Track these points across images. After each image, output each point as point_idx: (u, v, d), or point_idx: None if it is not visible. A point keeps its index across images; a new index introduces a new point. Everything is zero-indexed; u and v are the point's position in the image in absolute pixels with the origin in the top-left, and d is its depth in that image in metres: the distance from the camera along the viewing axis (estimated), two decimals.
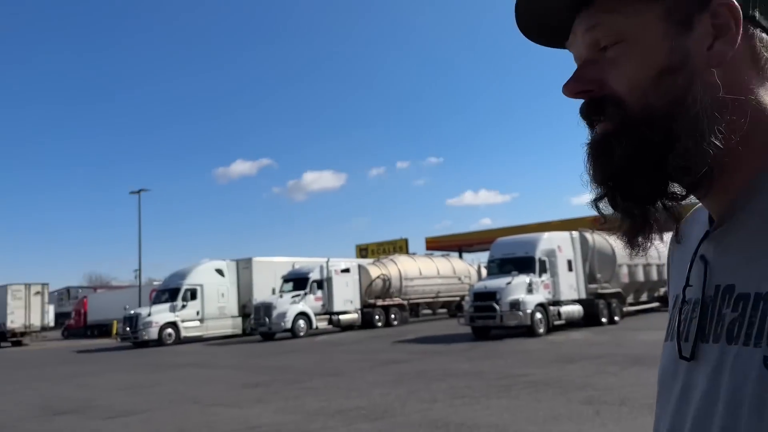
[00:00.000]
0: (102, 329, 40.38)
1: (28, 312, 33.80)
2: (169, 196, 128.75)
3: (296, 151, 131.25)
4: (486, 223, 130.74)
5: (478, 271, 30.44)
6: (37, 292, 34.43)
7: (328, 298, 24.69)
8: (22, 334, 33.70)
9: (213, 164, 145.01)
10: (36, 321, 34.13)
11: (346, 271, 25.90)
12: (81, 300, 46.68)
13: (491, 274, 18.82)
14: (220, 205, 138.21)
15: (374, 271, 27.53)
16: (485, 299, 16.74)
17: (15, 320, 33.15)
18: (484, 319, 16.81)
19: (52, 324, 36.69)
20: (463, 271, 31.97)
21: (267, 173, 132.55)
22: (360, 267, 27.13)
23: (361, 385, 9.42)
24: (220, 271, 27.24)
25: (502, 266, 18.02)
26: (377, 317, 26.40)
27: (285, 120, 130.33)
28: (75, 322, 44.59)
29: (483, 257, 28.75)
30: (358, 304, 25.93)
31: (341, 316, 25.01)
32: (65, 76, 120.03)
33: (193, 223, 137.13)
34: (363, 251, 44.84)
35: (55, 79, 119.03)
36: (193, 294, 25.67)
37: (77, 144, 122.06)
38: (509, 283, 16.69)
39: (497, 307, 16.24)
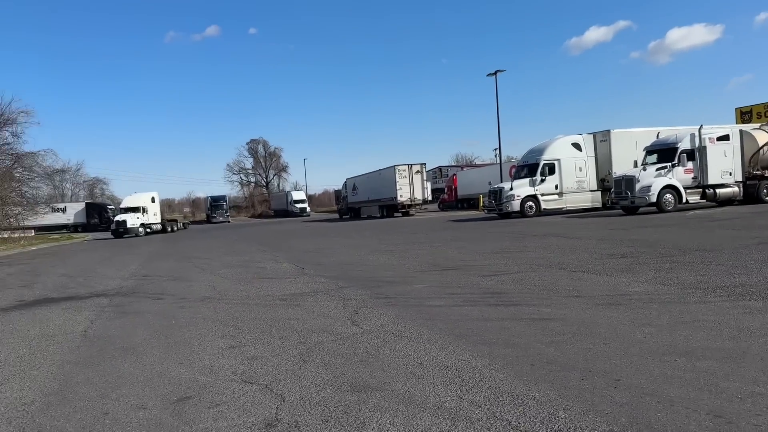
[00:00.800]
0: (470, 202, 45.09)
1: (412, 187, 39.89)
2: (524, 74, 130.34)
3: (658, 6, 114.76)
4: None
5: None
6: (417, 171, 40.17)
7: (701, 170, 21.84)
8: (408, 206, 40.24)
9: (565, 36, 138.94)
10: (418, 195, 40.16)
11: (724, 138, 22.23)
12: (451, 177, 52.67)
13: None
14: (574, 77, 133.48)
15: (761, 138, 22.93)
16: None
17: (403, 194, 39.65)
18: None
19: (430, 198, 42.57)
20: None
21: (624, 37, 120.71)
22: (742, 133, 22.91)
23: (747, 261, 8.24)
24: (576, 146, 26.74)
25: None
26: (765, 191, 22.31)
27: None
28: (448, 196, 50.87)
29: None
30: (739, 176, 22.29)
31: (718, 190, 21.95)
32: None
33: (547, 99, 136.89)
34: (745, 115, 37.47)
35: None
36: (551, 168, 26.05)
37: (443, 36, 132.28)
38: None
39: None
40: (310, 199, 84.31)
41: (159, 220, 44.11)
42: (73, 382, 4.76)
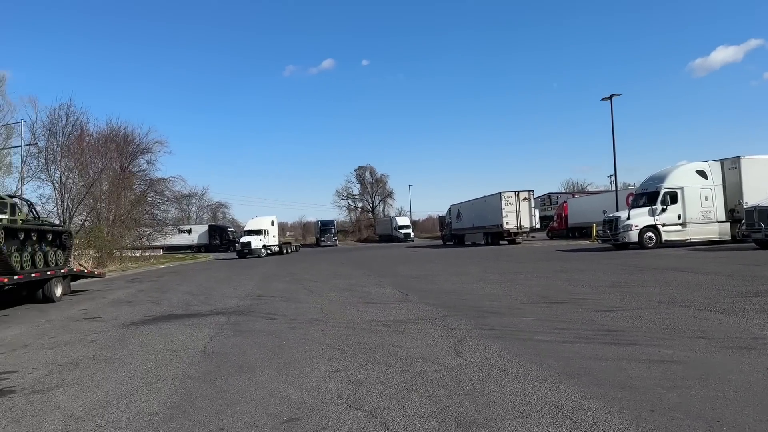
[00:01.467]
0: (581, 231, 43.16)
1: (519, 215, 38.99)
2: (642, 97, 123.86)
3: None
4: None
5: None
6: (525, 198, 39.25)
7: None
8: (515, 233, 39.29)
9: (688, 57, 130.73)
10: (525, 223, 39.13)
11: None
12: (561, 205, 50.81)
13: None
14: (697, 101, 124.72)
15: None
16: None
17: (509, 221, 38.84)
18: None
19: (538, 226, 41.32)
20: None
21: (756, 56, 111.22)
22: None
23: None
24: (702, 173, 24.86)
25: None
26: None
27: None
28: (557, 224, 49.06)
29: None
30: None
31: None
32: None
33: (668, 124, 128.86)
34: None
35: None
36: (673, 197, 24.39)
37: (551, 58, 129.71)
38: None
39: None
40: (415, 224, 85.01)
41: (277, 243, 46.86)
42: (193, 397, 5.10)
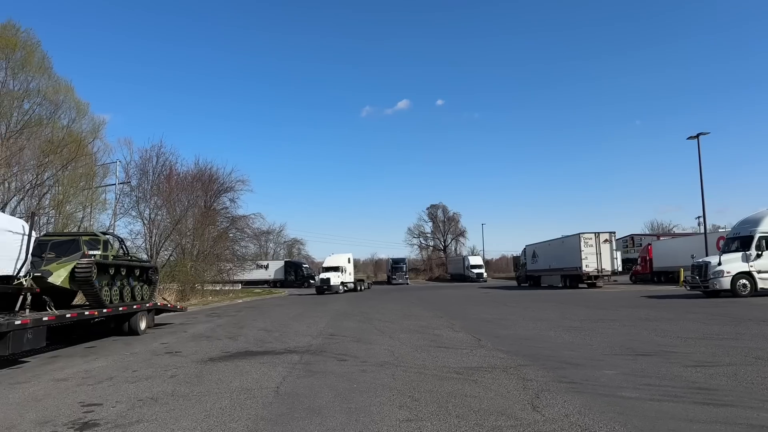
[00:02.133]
0: (668, 276, 40.81)
1: (599, 257, 37.39)
2: (732, 134, 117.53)
3: None
4: None
5: None
6: (606, 240, 37.68)
7: None
8: (595, 276, 37.65)
9: None
10: (606, 266, 37.45)
11: None
12: (646, 247, 48.35)
13: None
14: None
15: None
16: None
17: (588, 264, 37.31)
18: None
19: (620, 269, 39.42)
20: None
21: None
22: None
23: None
24: None
25: None
26: None
27: None
28: (641, 267, 46.60)
29: None
30: None
31: None
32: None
33: (760, 165, 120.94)
34: None
35: None
36: None
37: (638, 97, 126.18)
38: None
39: None
40: (487, 264, 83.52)
41: (352, 279, 48.26)
42: None
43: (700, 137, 34.17)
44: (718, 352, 9.03)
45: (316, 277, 46.59)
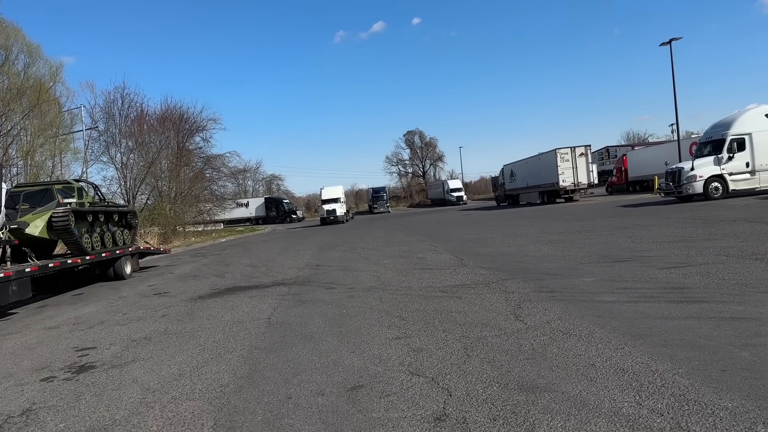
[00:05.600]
0: (643, 185, 41.60)
1: (575, 171, 37.81)
2: (706, 40, 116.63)
3: None
4: None
5: None
6: (582, 154, 37.97)
7: None
8: (572, 191, 38.24)
9: None
10: (583, 179, 37.96)
11: None
12: (621, 158, 48.95)
13: None
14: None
15: None
16: None
17: (565, 179, 37.77)
18: None
19: (596, 182, 39.97)
20: None
21: None
22: None
23: None
24: None
25: None
26: None
27: None
28: (617, 178, 47.40)
29: None
30: None
31: None
32: None
33: (735, 66, 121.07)
34: None
35: None
36: (740, 144, 23.04)
37: (614, 3, 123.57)
38: None
39: None
40: (467, 186, 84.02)
41: (345, 210, 49.88)
42: (261, 367, 5.30)
43: (673, 42, 33.88)
44: (691, 253, 9.37)
45: (323, 207, 47.56)
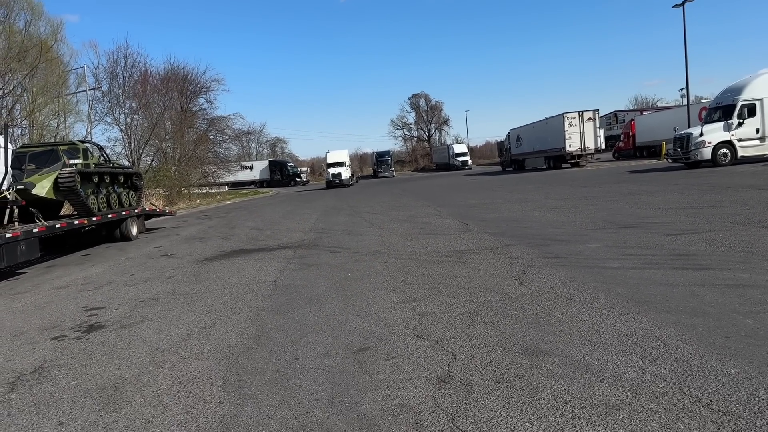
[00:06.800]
0: (650, 150, 41.23)
1: (583, 136, 37.45)
2: (716, 2, 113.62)
3: None
4: None
5: None
6: (589, 118, 37.54)
7: None
8: (579, 156, 37.95)
9: None
10: (590, 144, 37.62)
11: None
12: (628, 123, 48.38)
13: None
14: None
15: None
16: None
17: (572, 144, 37.44)
18: None
19: (603, 147, 39.61)
20: None
21: None
22: None
23: None
24: None
25: None
26: None
27: None
28: (624, 144, 46.93)
29: None
30: None
31: None
32: None
33: (746, 30, 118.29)
34: None
35: None
36: (750, 110, 22.70)
37: None
38: None
39: None
40: (472, 151, 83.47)
41: (350, 173, 50.23)
42: (268, 328, 5.37)
43: (686, 4, 33.06)
44: (697, 220, 9.34)
45: (328, 171, 47.92)
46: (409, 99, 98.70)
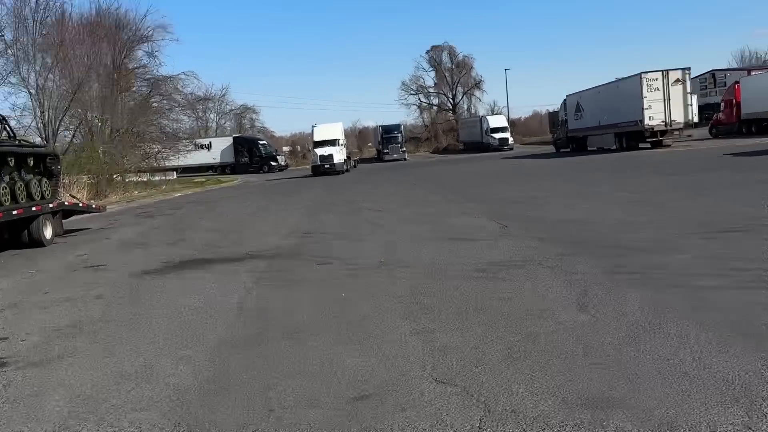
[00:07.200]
0: (762, 125, 41.00)
1: (668, 105, 37.22)
2: None
3: None
4: None
5: None
6: (677, 80, 37.35)
7: None
8: (663, 133, 37.76)
9: None
10: (678, 116, 37.41)
11: None
12: (732, 87, 48.17)
13: None
14: None
15: None
16: None
17: (653, 116, 37.17)
18: None
19: (695, 120, 39.42)
20: None
21: None
22: None
23: None
24: None
25: None
26: None
27: None
28: (725, 116, 46.68)
29: None
30: None
31: None
32: None
33: None
34: None
35: None
36: None
37: None
38: None
39: None
40: (513, 125, 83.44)
41: (346, 156, 48.96)
42: (231, 369, 5.40)
43: None
44: None
45: (315, 152, 46.59)
46: (428, 53, 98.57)
